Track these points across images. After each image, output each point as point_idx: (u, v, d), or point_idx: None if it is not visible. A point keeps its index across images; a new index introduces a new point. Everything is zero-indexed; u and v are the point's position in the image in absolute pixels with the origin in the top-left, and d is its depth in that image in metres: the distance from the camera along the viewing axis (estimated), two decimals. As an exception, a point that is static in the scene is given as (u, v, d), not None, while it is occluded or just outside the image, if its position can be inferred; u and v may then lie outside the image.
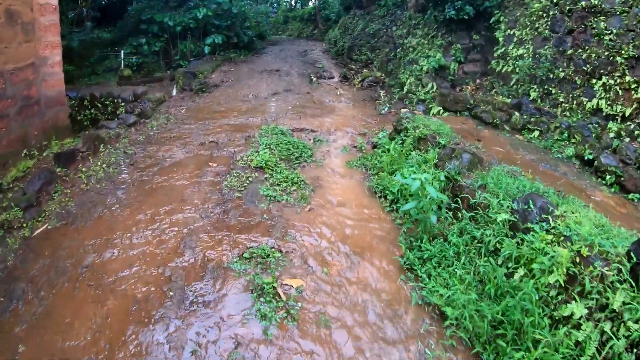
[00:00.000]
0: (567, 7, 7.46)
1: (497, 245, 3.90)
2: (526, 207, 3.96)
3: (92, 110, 10.84)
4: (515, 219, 3.95)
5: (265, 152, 6.29)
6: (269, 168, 5.92)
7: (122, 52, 14.01)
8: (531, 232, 3.69)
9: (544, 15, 7.83)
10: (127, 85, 12.67)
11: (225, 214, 4.93)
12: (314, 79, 13.29)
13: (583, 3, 7.15)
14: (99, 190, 5.84)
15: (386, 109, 9.96)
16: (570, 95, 7.18)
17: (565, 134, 6.74)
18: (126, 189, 5.78)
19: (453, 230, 4.31)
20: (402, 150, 6.07)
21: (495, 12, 9.15)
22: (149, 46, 14.13)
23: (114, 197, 5.57)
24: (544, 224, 3.69)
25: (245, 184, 5.55)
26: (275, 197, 5.22)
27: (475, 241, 4.11)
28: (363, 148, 7.18)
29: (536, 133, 7.07)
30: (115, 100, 10.48)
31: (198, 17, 14.29)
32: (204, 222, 4.78)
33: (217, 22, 15.01)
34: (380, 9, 16.79)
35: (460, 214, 4.49)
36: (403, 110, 7.51)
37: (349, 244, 4.48)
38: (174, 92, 11.74)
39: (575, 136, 6.60)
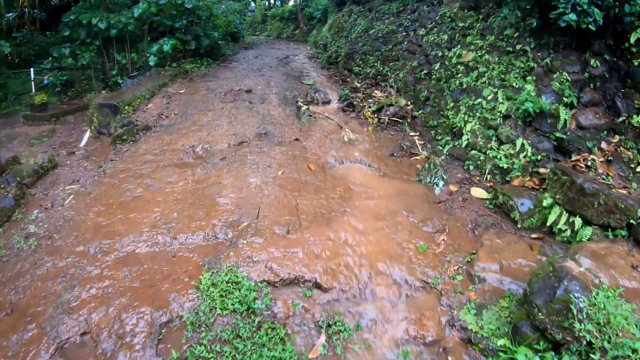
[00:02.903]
0: None
1: None
2: None
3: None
4: None
5: None
6: None
7: (31, 70, 9.54)
8: None
9: None
10: (33, 123, 8.23)
11: None
12: (304, 106, 8.99)
13: None
14: None
15: (441, 184, 5.81)
16: None
17: None
18: None
19: None
20: None
21: (636, 23, 5.08)
22: (75, 58, 9.61)
23: None
24: None
25: None
26: None
27: None
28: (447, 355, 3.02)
29: None
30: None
31: (135, 15, 9.73)
32: None
33: (169, 22, 10.43)
34: (391, 3, 12.56)
35: None
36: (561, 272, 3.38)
37: None
38: (84, 141, 7.30)
39: None
